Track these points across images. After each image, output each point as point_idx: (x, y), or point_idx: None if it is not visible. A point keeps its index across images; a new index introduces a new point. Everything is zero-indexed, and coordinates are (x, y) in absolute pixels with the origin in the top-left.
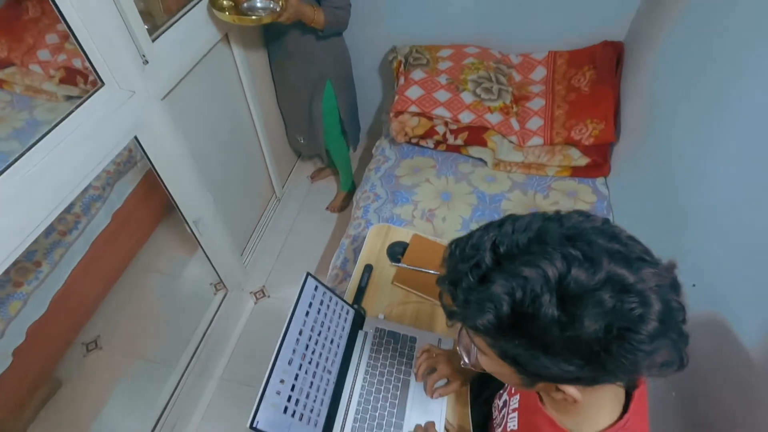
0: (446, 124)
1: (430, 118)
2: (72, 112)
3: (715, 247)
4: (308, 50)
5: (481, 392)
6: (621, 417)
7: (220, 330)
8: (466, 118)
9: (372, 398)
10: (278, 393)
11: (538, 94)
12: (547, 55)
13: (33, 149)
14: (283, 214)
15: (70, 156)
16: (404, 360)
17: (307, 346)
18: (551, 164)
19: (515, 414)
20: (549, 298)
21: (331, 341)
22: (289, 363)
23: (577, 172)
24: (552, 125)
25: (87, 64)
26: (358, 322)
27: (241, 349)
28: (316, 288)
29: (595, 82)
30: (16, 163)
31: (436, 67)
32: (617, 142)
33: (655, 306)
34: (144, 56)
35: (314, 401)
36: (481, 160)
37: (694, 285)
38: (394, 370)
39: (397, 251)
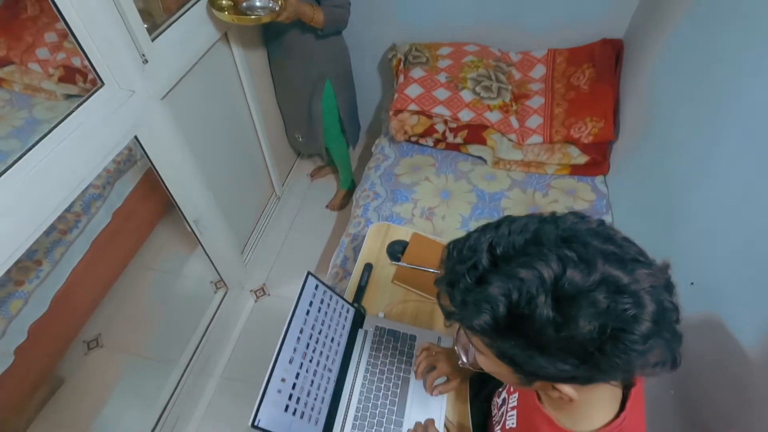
0: (446, 122)
1: (430, 117)
2: (72, 112)
3: (713, 247)
4: (308, 49)
5: (480, 390)
6: (618, 415)
7: (221, 328)
8: (465, 116)
9: (372, 396)
10: (279, 391)
11: (537, 92)
12: (546, 53)
13: (33, 150)
14: (283, 213)
15: (71, 156)
16: (404, 358)
17: (308, 345)
18: (551, 162)
19: (514, 412)
20: (544, 299)
21: (332, 340)
22: (290, 362)
23: (576, 170)
24: (551, 123)
25: (86, 63)
26: (359, 320)
27: (241, 348)
28: (316, 287)
29: (595, 80)
30: (17, 164)
31: (436, 65)
32: (616, 141)
33: (648, 307)
34: (144, 56)
35: (315, 399)
36: (480, 158)
37: (692, 283)
38: (394, 368)
39: (396, 250)
